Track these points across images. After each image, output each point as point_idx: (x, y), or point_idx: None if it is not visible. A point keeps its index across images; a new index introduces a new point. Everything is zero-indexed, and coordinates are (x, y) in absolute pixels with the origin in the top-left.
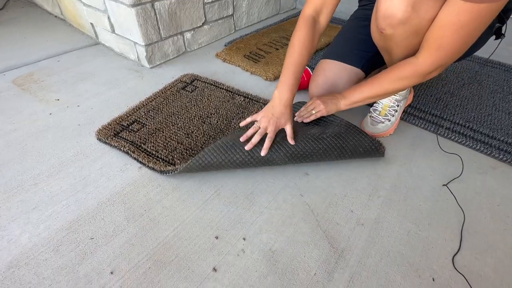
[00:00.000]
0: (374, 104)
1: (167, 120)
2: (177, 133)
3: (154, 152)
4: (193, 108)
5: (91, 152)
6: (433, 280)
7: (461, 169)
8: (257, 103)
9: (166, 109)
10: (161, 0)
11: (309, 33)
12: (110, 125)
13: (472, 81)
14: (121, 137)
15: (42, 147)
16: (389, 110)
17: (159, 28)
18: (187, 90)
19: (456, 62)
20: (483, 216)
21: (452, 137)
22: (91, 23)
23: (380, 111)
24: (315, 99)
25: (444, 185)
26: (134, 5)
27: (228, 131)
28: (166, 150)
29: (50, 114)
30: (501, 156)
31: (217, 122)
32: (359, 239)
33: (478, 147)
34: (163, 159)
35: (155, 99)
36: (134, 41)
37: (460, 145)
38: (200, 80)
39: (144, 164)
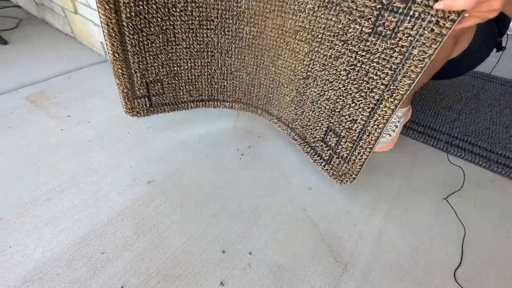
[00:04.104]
0: None
1: None
2: None
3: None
4: None
5: (101, 167)
6: None
7: (460, 182)
8: None
9: None
10: None
11: None
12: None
13: (469, 95)
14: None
15: (54, 163)
16: (390, 126)
17: None
18: None
19: (456, 78)
20: (484, 230)
21: (451, 151)
22: (101, 42)
23: None
24: None
25: (444, 199)
26: None
27: None
28: None
29: (62, 130)
30: (499, 170)
31: None
32: (362, 253)
33: (477, 160)
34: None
35: None
36: None
37: (459, 159)
38: None
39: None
